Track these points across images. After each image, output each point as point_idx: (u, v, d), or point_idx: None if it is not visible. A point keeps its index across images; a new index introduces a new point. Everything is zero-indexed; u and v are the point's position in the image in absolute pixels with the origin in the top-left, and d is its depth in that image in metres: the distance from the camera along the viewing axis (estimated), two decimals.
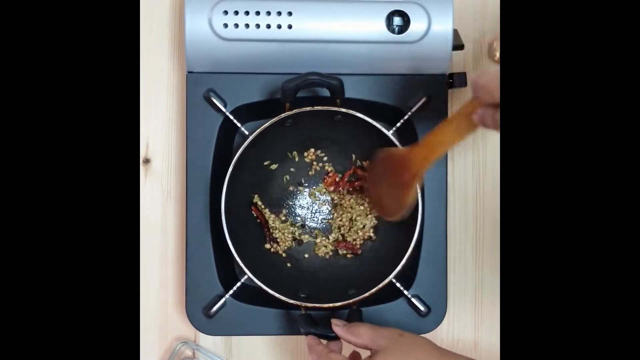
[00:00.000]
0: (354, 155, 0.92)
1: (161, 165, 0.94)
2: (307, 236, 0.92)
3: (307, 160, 0.93)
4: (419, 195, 0.85)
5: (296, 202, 0.93)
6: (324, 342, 0.83)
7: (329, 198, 0.93)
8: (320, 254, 0.92)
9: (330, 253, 0.92)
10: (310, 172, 0.93)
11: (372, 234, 0.92)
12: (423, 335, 0.83)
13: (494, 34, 0.94)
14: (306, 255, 0.92)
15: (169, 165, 0.94)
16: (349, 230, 0.92)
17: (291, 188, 0.93)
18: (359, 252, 0.91)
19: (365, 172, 0.91)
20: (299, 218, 0.93)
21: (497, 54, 0.67)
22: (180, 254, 0.93)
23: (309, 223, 0.93)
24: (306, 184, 0.93)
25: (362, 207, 0.92)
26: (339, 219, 0.92)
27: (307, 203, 0.93)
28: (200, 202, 0.89)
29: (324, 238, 0.92)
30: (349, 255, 0.92)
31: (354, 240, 0.92)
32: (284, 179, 0.93)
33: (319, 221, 0.93)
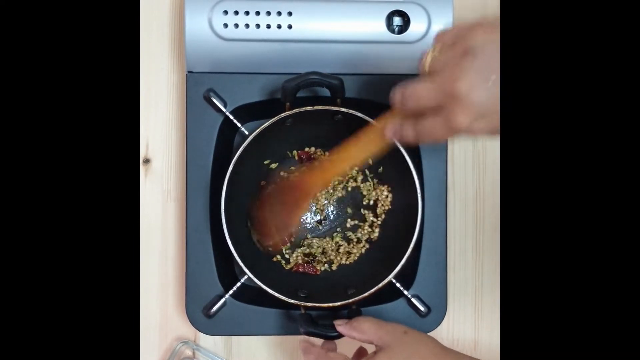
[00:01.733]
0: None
1: (161, 165, 0.94)
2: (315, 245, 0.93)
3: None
4: (419, 195, 0.85)
5: None
6: (317, 343, 0.83)
7: (328, 198, 0.93)
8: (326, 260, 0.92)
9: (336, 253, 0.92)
10: (301, 159, 0.93)
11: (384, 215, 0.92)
12: (425, 333, 0.83)
13: None
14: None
15: (169, 165, 0.94)
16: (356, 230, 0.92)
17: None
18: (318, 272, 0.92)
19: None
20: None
21: (428, 64, 0.70)
22: (180, 254, 0.93)
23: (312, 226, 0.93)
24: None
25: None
26: (341, 216, 0.92)
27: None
28: (200, 202, 0.89)
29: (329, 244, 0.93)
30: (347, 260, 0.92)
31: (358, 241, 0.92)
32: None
33: (322, 222, 0.93)
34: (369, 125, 0.80)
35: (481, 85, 0.65)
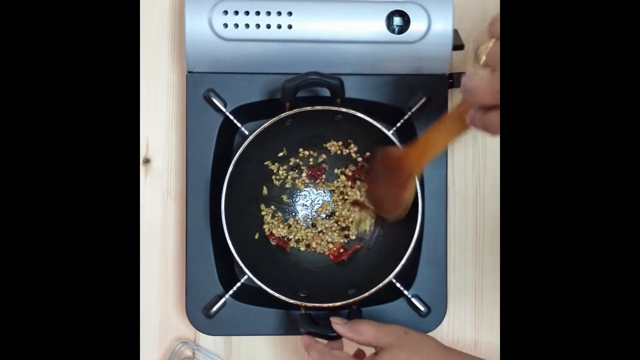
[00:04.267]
0: (353, 155, 0.92)
1: (161, 165, 0.94)
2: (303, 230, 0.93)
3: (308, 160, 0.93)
4: (419, 195, 0.85)
5: (297, 200, 0.93)
6: (322, 341, 0.83)
7: (329, 197, 0.93)
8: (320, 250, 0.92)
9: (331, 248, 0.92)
10: (310, 172, 0.93)
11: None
12: (425, 333, 0.83)
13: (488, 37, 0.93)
14: (302, 249, 0.92)
15: (169, 165, 0.94)
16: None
17: (291, 187, 0.93)
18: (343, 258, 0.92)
19: (363, 166, 0.92)
20: (300, 215, 0.93)
21: (483, 58, 0.69)
22: (180, 254, 0.93)
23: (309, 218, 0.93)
24: (307, 184, 0.93)
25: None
26: (342, 214, 0.93)
27: (308, 202, 0.93)
28: (200, 202, 0.89)
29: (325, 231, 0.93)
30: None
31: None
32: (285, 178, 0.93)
33: (321, 217, 0.93)
34: (452, 111, 0.78)
35: None
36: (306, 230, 0.92)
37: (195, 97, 0.88)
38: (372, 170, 0.89)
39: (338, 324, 0.82)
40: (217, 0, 0.86)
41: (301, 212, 0.93)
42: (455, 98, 0.92)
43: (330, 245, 0.92)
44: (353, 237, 0.92)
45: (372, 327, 0.80)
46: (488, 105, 0.68)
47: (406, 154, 0.82)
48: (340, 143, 0.92)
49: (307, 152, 0.93)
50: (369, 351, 0.82)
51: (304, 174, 0.93)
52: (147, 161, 0.94)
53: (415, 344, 0.79)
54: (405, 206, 0.84)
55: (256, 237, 0.91)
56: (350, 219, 0.92)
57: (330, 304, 0.85)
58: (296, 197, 0.93)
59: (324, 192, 0.93)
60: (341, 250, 0.92)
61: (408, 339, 0.79)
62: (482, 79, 0.68)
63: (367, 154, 0.92)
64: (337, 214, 0.93)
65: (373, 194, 0.90)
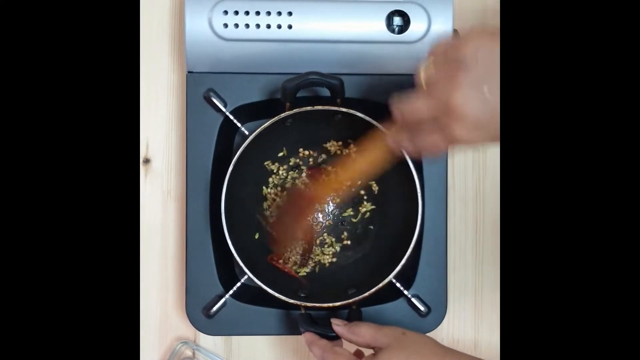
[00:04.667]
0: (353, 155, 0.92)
1: (161, 165, 0.94)
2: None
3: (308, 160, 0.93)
4: (419, 195, 0.85)
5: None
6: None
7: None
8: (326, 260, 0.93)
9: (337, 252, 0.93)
10: (310, 172, 0.93)
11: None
12: (423, 334, 0.83)
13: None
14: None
15: (169, 165, 0.94)
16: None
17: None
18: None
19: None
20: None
21: (422, 77, 0.71)
22: (180, 254, 0.93)
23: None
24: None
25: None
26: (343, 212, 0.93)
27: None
28: (200, 202, 0.89)
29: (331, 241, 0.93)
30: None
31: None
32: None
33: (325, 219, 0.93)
34: (373, 135, 0.80)
35: (475, 97, 0.66)
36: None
37: (195, 97, 0.88)
38: (283, 207, 0.91)
39: (338, 325, 0.82)
40: (217, 0, 0.86)
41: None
42: None
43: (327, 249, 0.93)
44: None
45: (370, 329, 0.80)
46: (424, 123, 0.71)
47: (317, 187, 0.88)
48: (340, 143, 0.92)
49: (307, 152, 0.93)
50: (367, 352, 0.82)
51: (303, 174, 0.93)
52: (147, 161, 0.94)
53: (414, 344, 0.79)
54: (297, 238, 0.90)
55: (256, 237, 0.91)
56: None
57: (330, 304, 0.85)
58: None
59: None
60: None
61: (406, 339, 0.79)
62: (421, 99, 0.70)
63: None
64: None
65: (279, 228, 0.91)
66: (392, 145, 0.77)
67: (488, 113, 0.66)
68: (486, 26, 0.67)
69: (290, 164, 0.93)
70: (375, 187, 0.92)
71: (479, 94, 0.66)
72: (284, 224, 0.89)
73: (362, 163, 0.82)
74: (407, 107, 0.72)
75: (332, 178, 0.88)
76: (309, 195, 0.88)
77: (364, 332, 0.80)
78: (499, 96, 0.65)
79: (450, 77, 0.67)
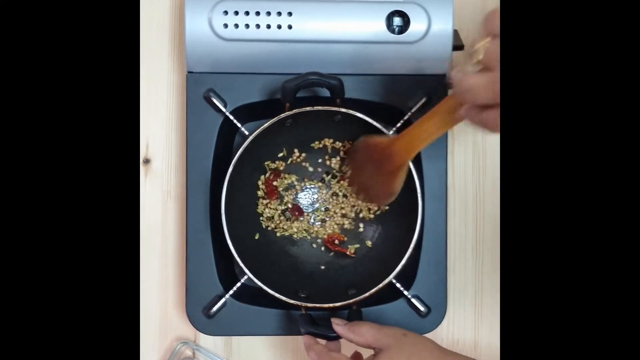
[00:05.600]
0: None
1: (161, 165, 0.94)
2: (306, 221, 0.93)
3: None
4: (419, 195, 0.85)
5: (298, 200, 0.93)
6: (322, 342, 0.83)
7: (329, 196, 0.93)
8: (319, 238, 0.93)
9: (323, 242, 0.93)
10: (309, 172, 0.93)
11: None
12: (423, 335, 0.83)
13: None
14: (313, 246, 0.92)
15: (169, 165, 0.94)
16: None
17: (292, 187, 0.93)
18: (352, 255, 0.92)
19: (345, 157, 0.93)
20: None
21: (479, 56, 0.68)
22: (180, 254, 0.93)
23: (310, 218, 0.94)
24: (307, 184, 0.93)
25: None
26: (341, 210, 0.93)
27: (308, 201, 0.93)
28: (200, 202, 0.89)
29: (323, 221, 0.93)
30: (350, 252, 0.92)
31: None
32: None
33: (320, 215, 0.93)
34: (442, 104, 0.77)
35: None
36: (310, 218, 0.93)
37: (195, 97, 0.88)
38: (356, 158, 0.90)
39: (339, 325, 0.82)
40: (217, 0, 0.86)
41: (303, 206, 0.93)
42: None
43: (330, 231, 0.92)
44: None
45: (371, 329, 0.80)
46: (486, 105, 0.68)
47: (394, 144, 0.83)
48: (340, 143, 0.92)
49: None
50: (366, 353, 0.82)
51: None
52: (147, 161, 0.94)
53: (414, 345, 0.79)
54: (393, 194, 0.86)
55: (256, 237, 0.91)
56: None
57: (331, 304, 0.85)
58: (296, 198, 0.93)
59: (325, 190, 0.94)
60: (336, 242, 0.92)
61: (407, 340, 0.79)
62: (480, 78, 0.67)
63: (347, 144, 0.92)
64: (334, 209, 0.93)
65: (358, 182, 0.91)
66: (465, 112, 0.71)
67: None
68: None
69: (290, 163, 0.93)
70: None
71: None
72: (371, 183, 0.88)
73: (430, 125, 0.79)
74: (466, 87, 0.68)
75: (406, 137, 0.82)
76: (389, 155, 0.84)
77: (365, 331, 0.80)
78: None
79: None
